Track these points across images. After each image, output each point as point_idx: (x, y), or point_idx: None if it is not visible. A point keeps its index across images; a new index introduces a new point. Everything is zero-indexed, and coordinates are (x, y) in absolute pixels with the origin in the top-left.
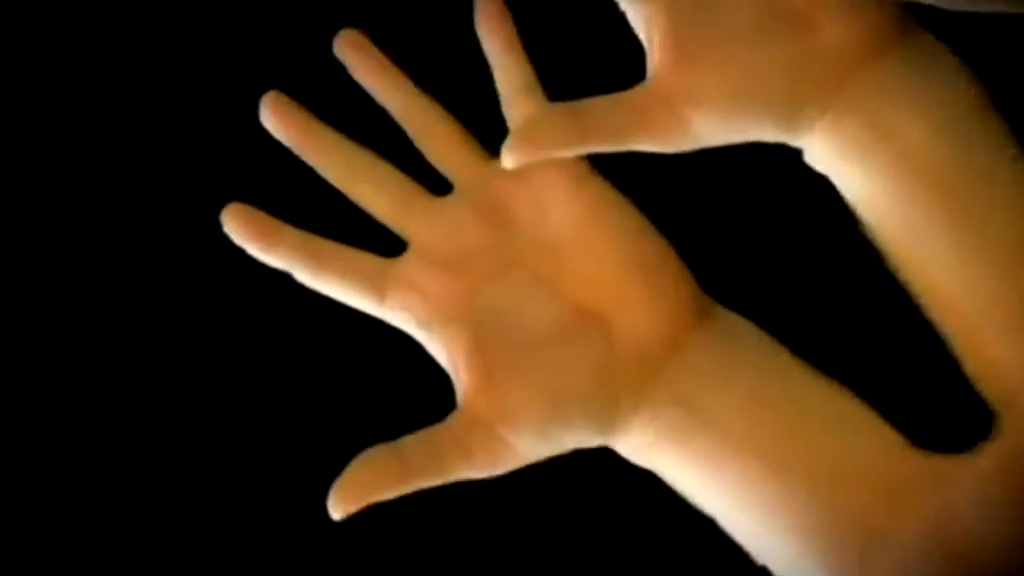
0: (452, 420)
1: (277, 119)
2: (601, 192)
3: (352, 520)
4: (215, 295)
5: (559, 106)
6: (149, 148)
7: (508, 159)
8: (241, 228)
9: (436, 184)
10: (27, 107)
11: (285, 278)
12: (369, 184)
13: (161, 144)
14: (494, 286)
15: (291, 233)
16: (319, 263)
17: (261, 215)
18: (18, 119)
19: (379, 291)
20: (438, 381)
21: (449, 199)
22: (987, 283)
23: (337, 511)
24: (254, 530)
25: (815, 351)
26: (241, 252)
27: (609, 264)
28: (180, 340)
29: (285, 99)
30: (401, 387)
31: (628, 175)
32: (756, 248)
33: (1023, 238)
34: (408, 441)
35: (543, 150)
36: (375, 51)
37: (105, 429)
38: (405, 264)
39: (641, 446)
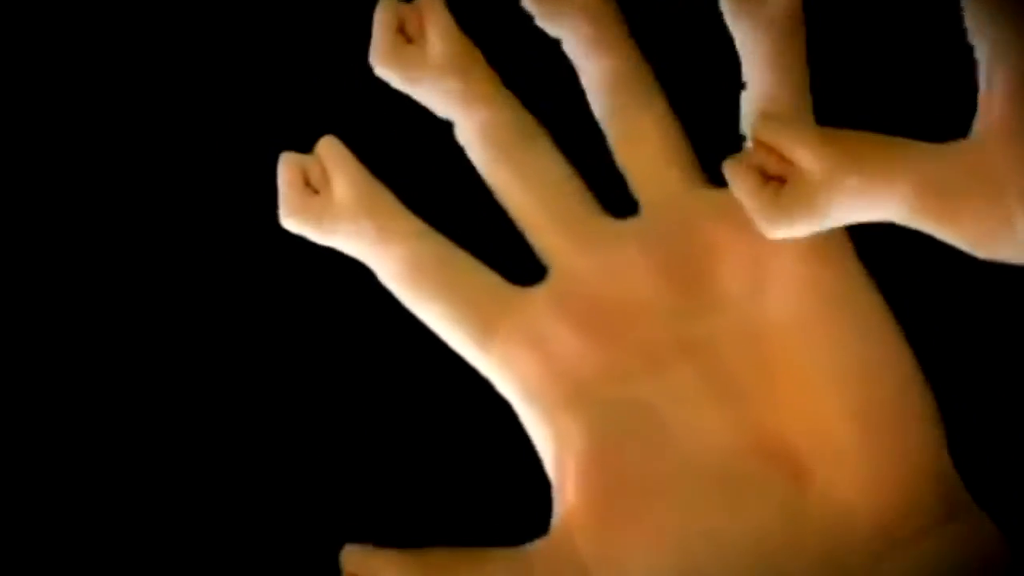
0: (535, 549)
1: None
2: (859, 287)
3: (352, 520)
4: (215, 295)
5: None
6: (149, 148)
7: (764, 132)
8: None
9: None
10: (27, 107)
11: (289, 279)
12: (534, 172)
13: (167, 145)
14: (651, 375)
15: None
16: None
17: None
18: (18, 119)
19: (488, 328)
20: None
21: (629, 224)
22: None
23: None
24: (254, 530)
25: None
26: (241, 253)
27: (841, 391)
28: (180, 341)
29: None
30: (416, 391)
31: None
32: None
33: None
34: (459, 557)
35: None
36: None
37: (105, 429)
38: (535, 300)
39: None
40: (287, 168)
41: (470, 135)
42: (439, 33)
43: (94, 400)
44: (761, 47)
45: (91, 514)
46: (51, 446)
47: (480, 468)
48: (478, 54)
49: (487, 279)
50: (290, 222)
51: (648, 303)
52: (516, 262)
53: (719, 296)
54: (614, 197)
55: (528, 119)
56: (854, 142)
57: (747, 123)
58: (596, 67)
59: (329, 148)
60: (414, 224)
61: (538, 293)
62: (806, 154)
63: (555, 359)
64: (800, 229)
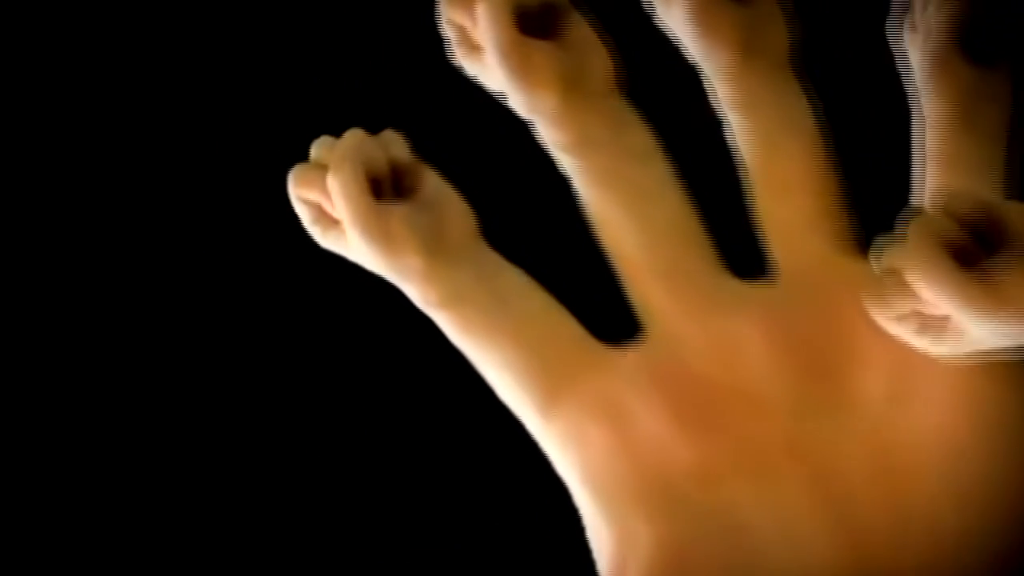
0: None
1: None
2: (1014, 410)
3: (352, 521)
4: (214, 296)
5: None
6: (149, 148)
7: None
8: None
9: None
10: (27, 107)
11: (287, 281)
12: (645, 213)
13: (167, 145)
14: (751, 481)
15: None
16: (500, 321)
17: None
18: (18, 119)
19: (556, 389)
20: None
21: (755, 290)
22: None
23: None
24: (253, 530)
25: None
26: (241, 253)
27: (985, 545)
28: (179, 342)
29: None
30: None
31: None
32: None
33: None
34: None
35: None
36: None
37: (104, 430)
38: (622, 364)
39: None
40: (355, 174)
41: (575, 158)
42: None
43: (94, 400)
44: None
45: (91, 514)
46: (51, 446)
47: (479, 469)
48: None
49: (565, 328)
50: (357, 233)
51: (762, 390)
52: (606, 313)
53: (851, 396)
54: (743, 254)
55: (649, 142)
56: None
57: (929, 192)
58: (742, 103)
59: (401, 148)
60: (472, 246)
61: (627, 357)
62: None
63: (634, 442)
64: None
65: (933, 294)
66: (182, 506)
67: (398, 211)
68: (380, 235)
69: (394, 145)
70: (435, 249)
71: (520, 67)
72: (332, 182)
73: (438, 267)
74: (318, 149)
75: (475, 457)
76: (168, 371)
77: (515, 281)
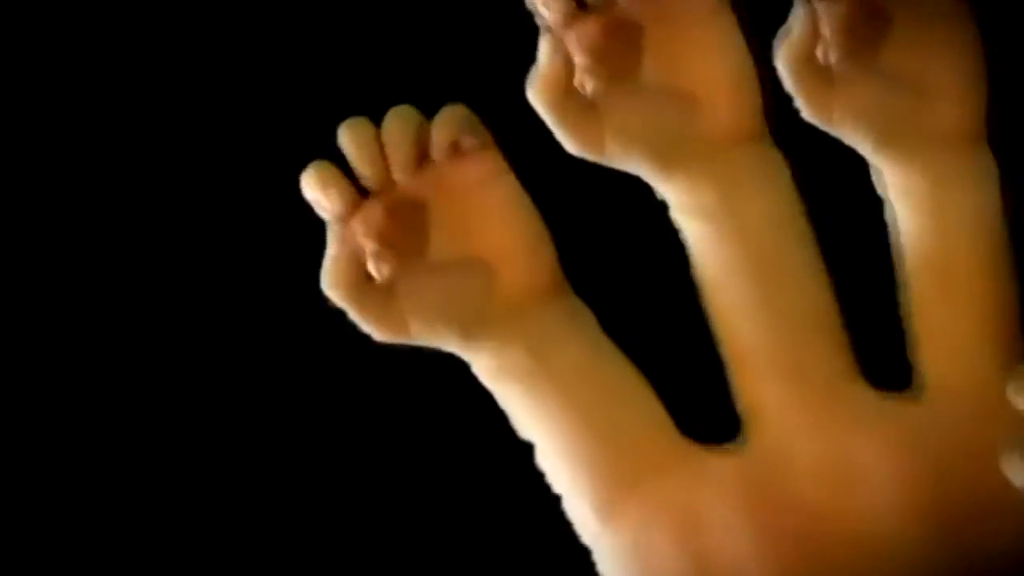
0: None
1: None
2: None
3: (351, 521)
4: (213, 296)
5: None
6: (149, 148)
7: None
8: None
9: None
10: (27, 107)
11: (287, 282)
12: (780, 305)
13: (164, 145)
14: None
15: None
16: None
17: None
18: (18, 119)
19: (616, 489)
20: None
21: (894, 409)
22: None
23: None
24: (253, 530)
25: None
26: (240, 253)
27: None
28: (179, 342)
29: None
30: (404, 398)
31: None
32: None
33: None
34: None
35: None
36: None
37: (104, 430)
38: (711, 469)
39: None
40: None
41: (703, 221)
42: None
43: (93, 399)
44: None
45: (90, 514)
46: (51, 446)
47: (478, 471)
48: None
49: (643, 417)
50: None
51: (876, 532)
52: (702, 404)
53: (980, 552)
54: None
55: (790, 204)
56: None
57: None
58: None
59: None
60: (529, 311)
61: (718, 461)
62: None
63: (707, 560)
64: None
65: None
66: (182, 506)
67: (408, 284)
68: (379, 317)
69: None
70: (471, 318)
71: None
72: (324, 278)
73: (478, 338)
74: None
75: (474, 458)
76: (168, 371)
77: (584, 355)
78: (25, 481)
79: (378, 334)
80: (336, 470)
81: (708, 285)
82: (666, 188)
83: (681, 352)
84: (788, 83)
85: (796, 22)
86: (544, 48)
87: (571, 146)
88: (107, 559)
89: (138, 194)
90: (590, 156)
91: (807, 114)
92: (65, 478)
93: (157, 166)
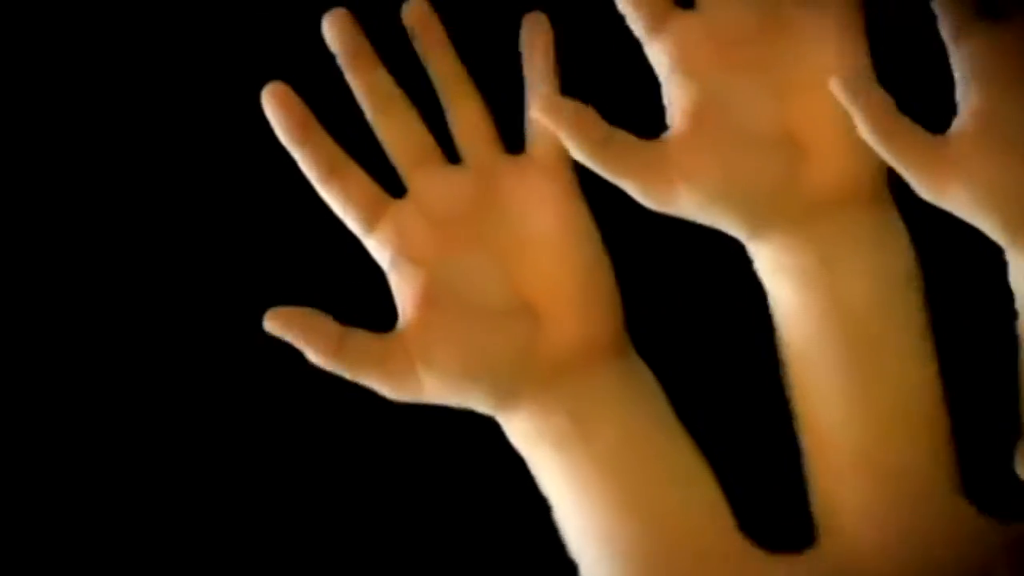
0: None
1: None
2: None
3: (351, 521)
4: (213, 295)
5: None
6: (148, 148)
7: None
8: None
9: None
10: (27, 107)
11: (286, 282)
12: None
13: (160, 144)
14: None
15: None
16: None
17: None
18: (18, 119)
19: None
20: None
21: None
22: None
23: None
24: (252, 531)
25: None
26: (238, 253)
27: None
28: (178, 341)
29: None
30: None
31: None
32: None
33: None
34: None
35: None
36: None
37: (103, 431)
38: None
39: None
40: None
41: (800, 288)
42: None
43: (92, 399)
44: None
45: (91, 514)
46: (51, 446)
47: (475, 474)
48: None
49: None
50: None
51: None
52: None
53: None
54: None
55: (906, 262)
56: None
57: None
58: None
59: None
60: (577, 372)
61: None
62: None
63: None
64: None
65: None
66: (182, 506)
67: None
68: (393, 377)
69: None
70: (506, 374)
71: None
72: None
73: (512, 399)
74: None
75: (472, 461)
76: (168, 371)
77: (636, 426)
78: (25, 481)
79: (386, 390)
80: (336, 470)
81: (793, 359)
82: (756, 245)
83: (752, 433)
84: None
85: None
86: None
87: (638, 193)
88: (107, 559)
89: (150, 198)
90: (659, 207)
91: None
92: (65, 478)
93: (159, 167)
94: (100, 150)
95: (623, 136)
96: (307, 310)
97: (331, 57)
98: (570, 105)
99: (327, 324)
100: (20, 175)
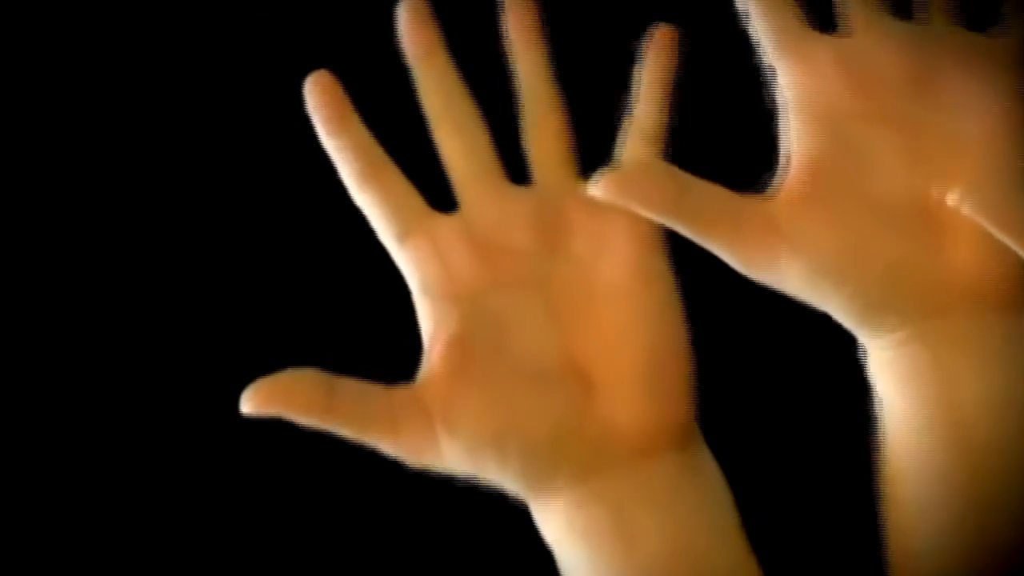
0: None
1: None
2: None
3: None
4: (213, 295)
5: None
6: (148, 148)
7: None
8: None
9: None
10: (27, 107)
11: (286, 281)
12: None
13: (161, 144)
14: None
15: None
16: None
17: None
18: (18, 119)
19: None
20: None
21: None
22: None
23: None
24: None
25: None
26: (238, 252)
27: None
28: (179, 342)
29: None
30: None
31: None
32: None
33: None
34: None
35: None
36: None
37: (103, 431)
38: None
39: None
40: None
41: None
42: None
43: (92, 400)
44: None
45: (89, 514)
46: (51, 445)
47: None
48: None
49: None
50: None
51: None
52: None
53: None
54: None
55: None
56: None
57: None
58: None
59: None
60: (625, 468)
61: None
62: None
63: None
64: None
65: None
66: (181, 506)
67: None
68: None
69: None
70: (542, 454)
71: None
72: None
73: (546, 483)
74: None
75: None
76: (167, 370)
77: (688, 532)
78: (25, 480)
79: (398, 452)
80: (336, 470)
81: (890, 461)
82: (865, 331)
83: (825, 543)
84: None
85: None
86: None
87: (727, 256)
88: (107, 558)
89: (149, 198)
90: (756, 276)
91: None
92: (65, 477)
93: (161, 168)
94: (101, 150)
95: (708, 190)
96: (287, 374)
97: (388, 57)
98: (635, 175)
99: (313, 382)
100: (20, 175)
